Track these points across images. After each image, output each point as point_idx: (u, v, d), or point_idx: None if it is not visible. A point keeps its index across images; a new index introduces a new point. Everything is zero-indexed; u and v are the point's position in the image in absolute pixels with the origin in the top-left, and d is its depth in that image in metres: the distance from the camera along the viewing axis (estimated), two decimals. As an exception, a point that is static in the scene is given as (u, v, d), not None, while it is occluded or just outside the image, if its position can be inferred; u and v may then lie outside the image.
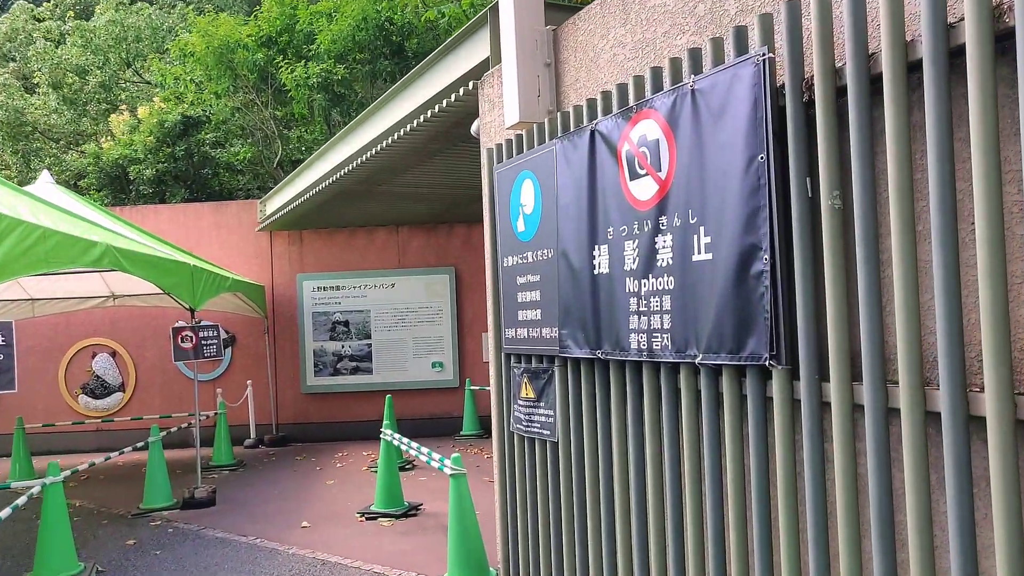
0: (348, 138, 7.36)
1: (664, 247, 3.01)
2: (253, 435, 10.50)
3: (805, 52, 2.52)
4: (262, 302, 10.35)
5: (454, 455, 4.81)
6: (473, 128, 4.85)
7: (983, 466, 2.09)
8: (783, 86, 2.54)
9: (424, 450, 5.45)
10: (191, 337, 7.34)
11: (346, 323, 10.79)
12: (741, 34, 2.70)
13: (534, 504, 4.07)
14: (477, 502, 5.15)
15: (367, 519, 6.46)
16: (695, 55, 2.91)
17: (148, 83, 17.18)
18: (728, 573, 2.88)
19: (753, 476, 2.70)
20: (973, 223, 2.11)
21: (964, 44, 2.01)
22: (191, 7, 18.49)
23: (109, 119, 15.77)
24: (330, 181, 7.88)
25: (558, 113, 3.79)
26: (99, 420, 10.68)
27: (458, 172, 7.66)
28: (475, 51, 4.90)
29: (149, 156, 13.50)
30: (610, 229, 3.32)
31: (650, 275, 3.08)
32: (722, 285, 2.72)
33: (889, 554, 2.26)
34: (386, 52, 12.38)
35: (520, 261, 4.06)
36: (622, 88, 3.31)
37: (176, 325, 8.85)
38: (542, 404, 3.92)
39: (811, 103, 2.48)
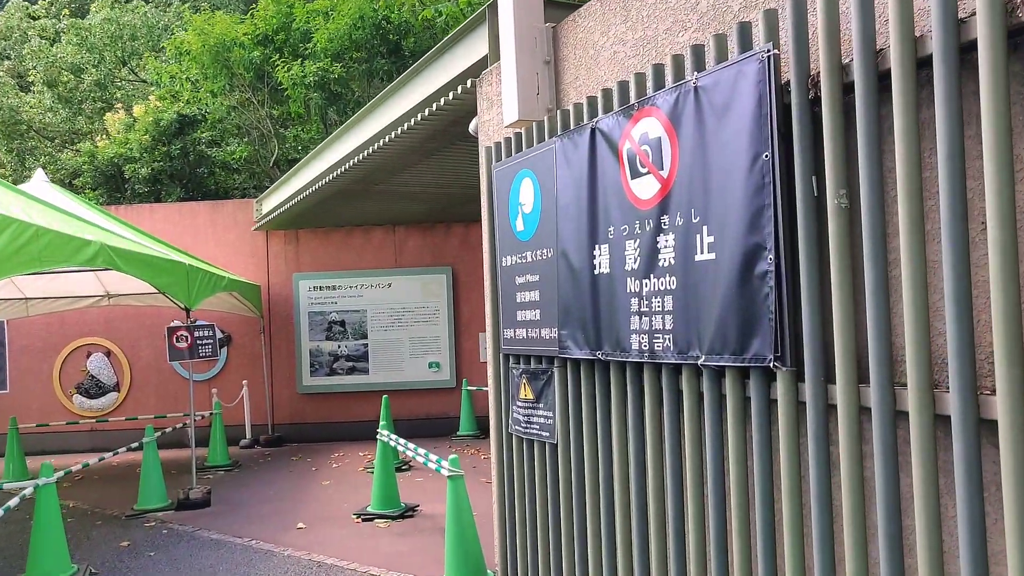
0: (344, 137, 7.31)
1: (666, 247, 2.96)
2: (249, 435, 10.45)
3: (811, 48, 2.47)
4: (258, 302, 10.31)
5: (452, 456, 4.77)
6: (471, 126, 4.81)
7: (993, 470, 2.06)
8: (788, 83, 2.50)
9: (421, 451, 5.42)
10: (186, 337, 7.29)
11: (342, 323, 10.74)
12: (745, 30, 2.66)
13: (533, 507, 4.03)
14: (474, 503, 5.11)
15: (363, 520, 6.42)
16: (698, 52, 2.87)
17: (144, 81, 17.12)
18: (731, 578, 2.84)
19: (757, 480, 2.66)
20: (983, 222, 2.07)
21: (975, 40, 1.97)
22: (187, 5, 18.43)
23: (104, 117, 15.69)
24: (326, 180, 7.83)
25: (558, 111, 3.75)
26: (93, 420, 10.63)
27: (456, 171, 7.62)
28: (473, 48, 4.85)
29: (144, 155, 13.45)
30: (611, 228, 3.27)
31: (651, 275, 3.04)
32: (725, 285, 2.68)
33: (896, 560, 2.22)
34: (383, 51, 12.34)
35: (519, 261, 4.02)
36: (623, 86, 3.27)
37: (171, 325, 8.79)
38: (541, 405, 3.88)
39: (817, 100, 2.44)
